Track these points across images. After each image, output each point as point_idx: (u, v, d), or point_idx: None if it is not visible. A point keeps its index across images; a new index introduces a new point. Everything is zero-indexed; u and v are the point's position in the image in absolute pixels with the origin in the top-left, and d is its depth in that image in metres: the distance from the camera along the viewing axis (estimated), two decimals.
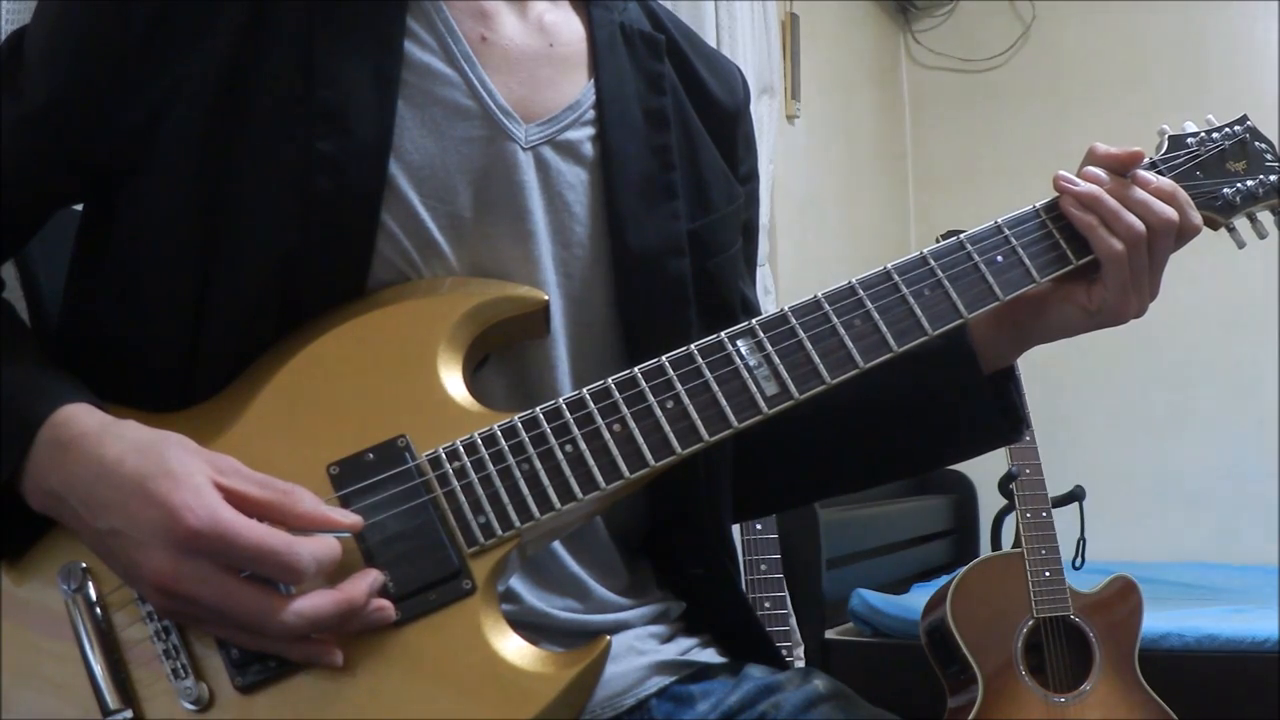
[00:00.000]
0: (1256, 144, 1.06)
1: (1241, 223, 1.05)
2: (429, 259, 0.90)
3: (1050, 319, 1.00)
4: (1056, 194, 0.97)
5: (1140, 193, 0.96)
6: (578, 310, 0.95)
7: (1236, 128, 1.06)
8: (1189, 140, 1.04)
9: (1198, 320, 4.10)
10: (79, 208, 0.96)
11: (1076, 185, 0.96)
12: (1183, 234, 0.97)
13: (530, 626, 0.89)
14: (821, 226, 3.90)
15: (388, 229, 0.88)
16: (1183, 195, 0.98)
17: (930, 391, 1.03)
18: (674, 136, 1.00)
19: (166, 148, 0.87)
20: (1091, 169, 0.98)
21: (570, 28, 1.01)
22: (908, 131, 4.75)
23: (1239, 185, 1.04)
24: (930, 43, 4.68)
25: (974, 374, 1.01)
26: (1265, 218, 1.06)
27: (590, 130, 0.97)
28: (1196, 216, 0.98)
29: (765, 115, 3.11)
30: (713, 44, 2.84)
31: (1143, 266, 0.95)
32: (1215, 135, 1.05)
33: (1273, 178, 1.05)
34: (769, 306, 0.98)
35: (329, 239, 0.86)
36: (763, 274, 3.05)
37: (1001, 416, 1.04)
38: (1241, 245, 1.06)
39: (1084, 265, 0.96)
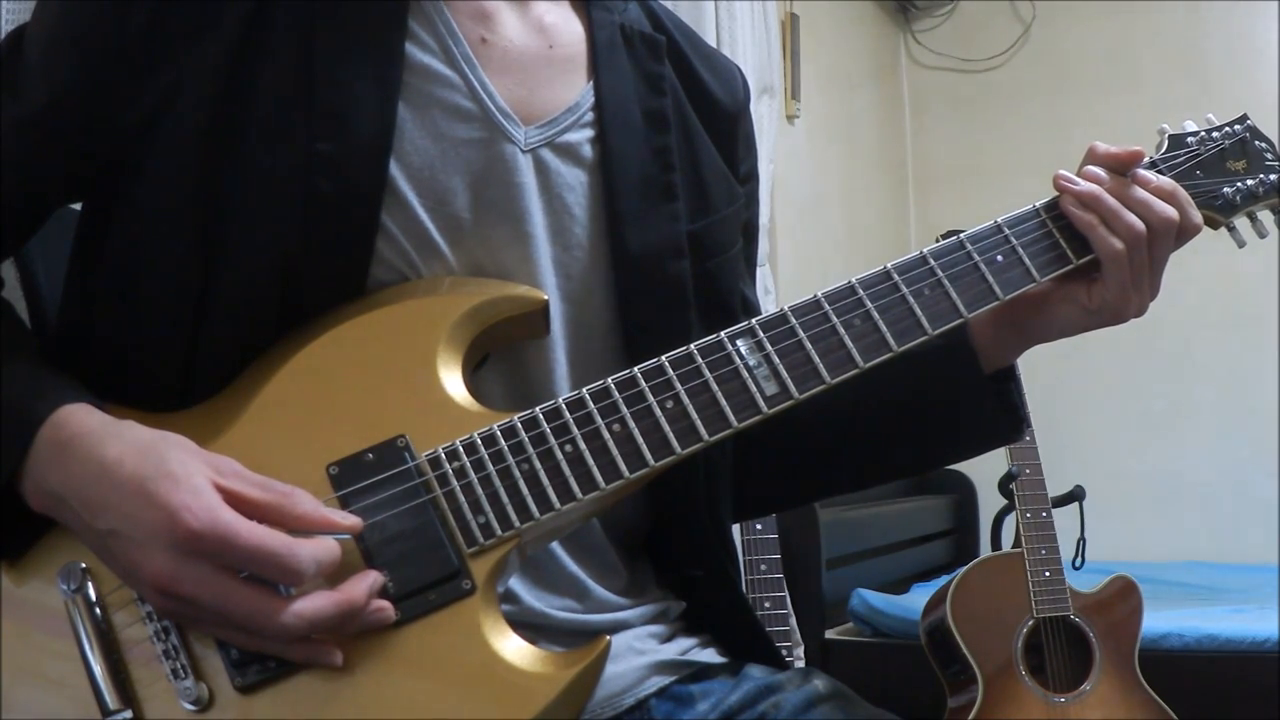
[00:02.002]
0: (1256, 143, 1.06)
1: (1241, 222, 1.05)
2: (428, 260, 0.90)
3: (1051, 318, 1.00)
4: (1056, 193, 0.98)
5: (1140, 192, 0.96)
6: (577, 312, 0.95)
7: (1236, 127, 1.06)
8: (1189, 139, 1.04)
9: (1198, 320, 4.10)
10: (78, 207, 0.96)
11: (1076, 184, 0.96)
12: (1183, 233, 0.97)
13: (529, 626, 0.89)
14: (821, 226, 3.90)
15: (387, 230, 0.88)
16: (1182, 194, 0.98)
17: (931, 391, 1.03)
18: (674, 138, 1.00)
19: (166, 147, 0.87)
20: (1091, 168, 0.97)
21: (570, 29, 1.01)
22: (908, 131, 4.75)
23: (1239, 184, 1.04)
24: (930, 43, 4.68)
25: (975, 374, 1.01)
26: (1265, 217, 1.06)
27: (589, 132, 0.97)
28: (1196, 215, 0.98)
29: (765, 115, 3.11)
30: (713, 44, 2.84)
31: (1143, 265, 0.95)
32: (1215, 134, 1.05)
33: (1273, 177, 1.05)
34: (769, 306, 0.99)
35: (328, 240, 0.86)
36: (763, 274, 3.05)
37: (1002, 416, 1.03)
38: (1241, 245, 1.05)
39: (1084, 265, 0.96)
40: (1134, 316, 0.97)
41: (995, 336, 1.02)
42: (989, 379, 1.02)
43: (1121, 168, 0.97)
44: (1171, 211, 0.96)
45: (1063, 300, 0.98)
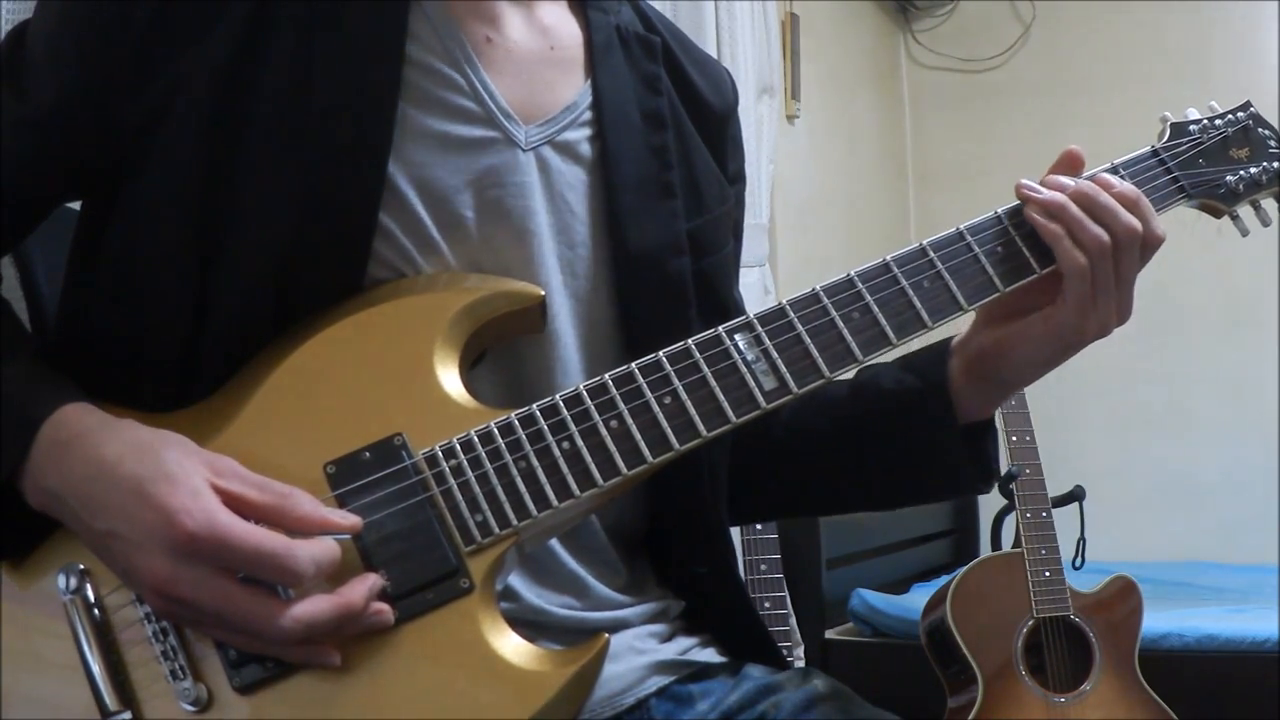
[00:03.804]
0: (1260, 130, 1.05)
1: (1245, 210, 1.04)
2: (429, 259, 0.89)
3: (1016, 360, 0.97)
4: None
5: (1105, 197, 0.93)
6: (582, 309, 0.95)
7: (1240, 114, 1.05)
8: (1191, 127, 1.03)
9: (1198, 320, 4.10)
10: (77, 206, 0.95)
11: (1040, 193, 0.94)
12: (1146, 245, 0.94)
13: (529, 624, 0.89)
14: (821, 226, 3.90)
15: (386, 229, 0.88)
16: (1145, 204, 0.94)
17: (906, 435, 1.02)
18: (670, 137, 1.00)
19: (167, 146, 0.86)
20: (1054, 176, 0.95)
21: (568, 29, 1.01)
22: (908, 131, 4.75)
23: (1242, 172, 1.03)
24: (930, 43, 4.68)
25: (949, 424, 1.00)
26: (1269, 205, 1.04)
27: (588, 131, 0.97)
28: (1158, 227, 0.94)
29: (765, 115, 3.11)
30: (713, 44, 2.84)
31: (1107, 280, 0.92)
32: (1218, 122, 1.04)
33: (1276, 164, 1.03)
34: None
35: (326, 239, 0.86)
36: (762, 274, 3.05)
37: (971, 468, 1.02)
38: (1245, 233, 1.03)
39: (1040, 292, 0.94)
40: (1096, 337, 0.94)
41: (969, 389, 0.99)
42: (962, 430, 1.00)
43: (1072, 173, 0.95)
44: (1135, 222, 0.92)
45: (1021, 340, 0.96)
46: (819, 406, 1.05)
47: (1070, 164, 0.97)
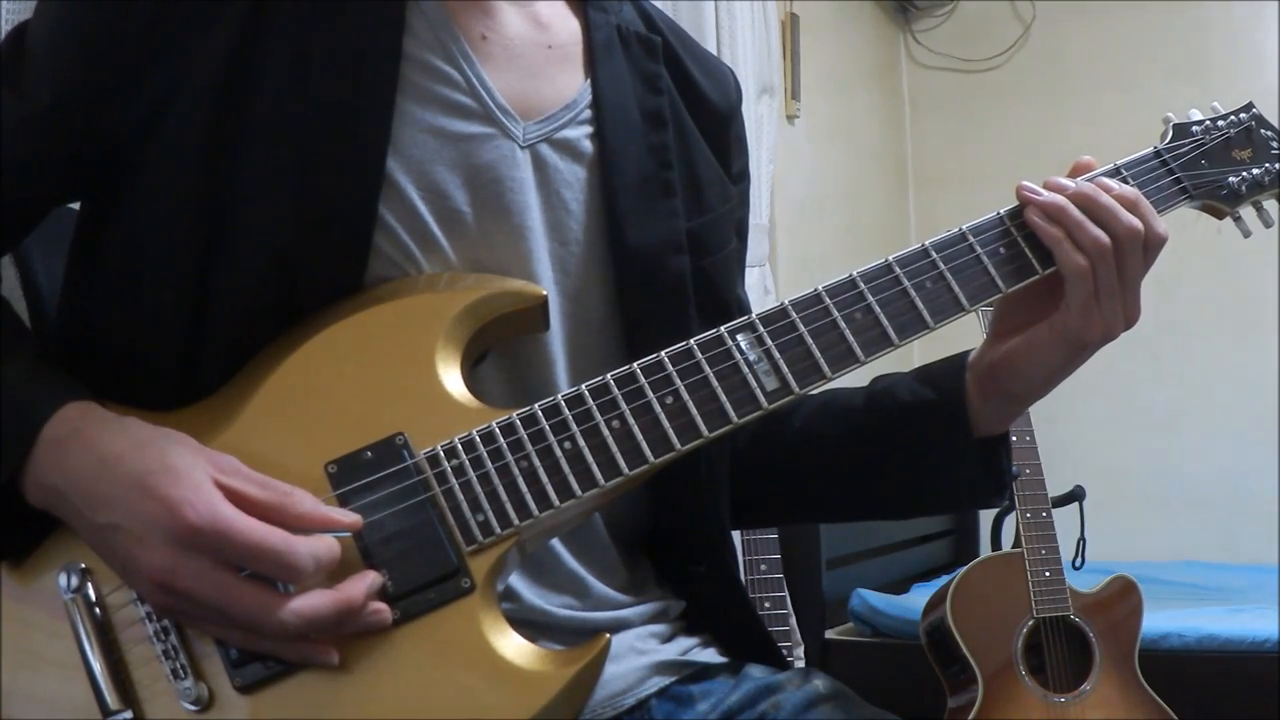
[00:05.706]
0: (1262, 131, 1.04)
1: (1247, 212, 1.03)
2: (428, 254, 0.90)
3: (1024, 371, 0.96)
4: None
5: (1105, 198, 0.92)
6: (575, 307, 0.95)
7: (1242, 115, 1.05)
8: (1194, 129, 1.03)
9: (1198, 320, 4.10)
10: (77, 206, 0.95)
11: (1040, 195, 0.93)
12: (1149, 245, 0.93)
13: (530, 624, 0.89)
14: (821, 226, 3.90)
15: (385, 224, 0.88)
16: (1145, 204, 0.94)
17: (921, 447, 1.02)
18: (670, 136, 1.00)
19: (166, 143, 0.86)
20: (1055, 179, 0.95)
21: (567, 27, 1.01)
22: (908, 131, 4.75)
23: (1244, 173, 1.02)
24: (930, 43, 4.68)
25: (965, 437, 1.00)
26: (1271, 206, 1.04)
27: (587, 129, 0.97)
28: (1160, 226, 0.94)
29: (765, 115, 3.11)
30: (712, 44, 2.84)
31: (1111, 283, 0.92)
32: (1220, 123, 1.03)
33: (1278, 166, 1.03)
34: (769, 306, 1.00)
35: (326, 234, 0.86)
36: (762, 274, 3.05)
37: (986, 481, 1.02)
38: (1247, 234, 1.03)
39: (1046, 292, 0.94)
40: (1103, 341, 0.93)
41: (983, 405, 0.99)
42: (977, 443, 1.00)
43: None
44: (1135, 222, 0.92)
45: (1029, 350, 0.96)
46: (833, 415, 1.05)
47: (1080, 174, 0.96)
